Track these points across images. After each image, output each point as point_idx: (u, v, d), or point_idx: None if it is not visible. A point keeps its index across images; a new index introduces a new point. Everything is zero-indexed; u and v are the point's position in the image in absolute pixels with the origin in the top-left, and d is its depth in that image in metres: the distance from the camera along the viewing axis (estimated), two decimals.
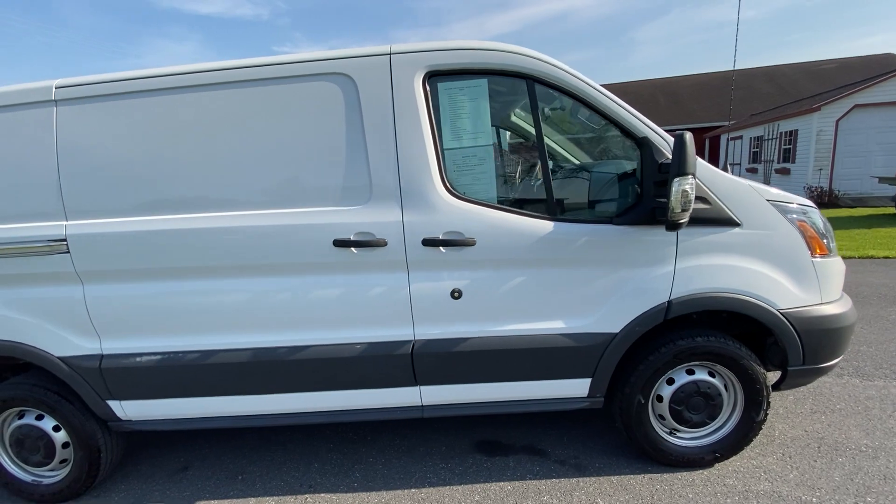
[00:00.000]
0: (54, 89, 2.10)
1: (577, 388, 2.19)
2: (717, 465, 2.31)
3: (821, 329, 2.13)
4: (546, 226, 2.05)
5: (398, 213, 2.03)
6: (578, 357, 2.13)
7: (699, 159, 2.03)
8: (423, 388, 2.20)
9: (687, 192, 1.71)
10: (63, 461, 2.37)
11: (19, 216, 2.12)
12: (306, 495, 2.31)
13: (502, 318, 2.13)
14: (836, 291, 2.23)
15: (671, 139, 2.01)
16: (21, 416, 2.36)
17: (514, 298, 2.11)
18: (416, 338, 2.13)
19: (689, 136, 1.72)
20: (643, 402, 2.22)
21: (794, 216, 2.11)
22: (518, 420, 2.78)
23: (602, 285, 2.10)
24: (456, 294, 2.09)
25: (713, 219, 2.06)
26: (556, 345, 2.11)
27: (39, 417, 2.33)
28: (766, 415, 2.25)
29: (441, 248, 2.04)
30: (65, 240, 2.09)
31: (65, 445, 2.34)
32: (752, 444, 2.36)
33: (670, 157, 1.88)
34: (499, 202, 2.10)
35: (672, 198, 1.71)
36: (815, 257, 2.13)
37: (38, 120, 2.09)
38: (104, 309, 2.16)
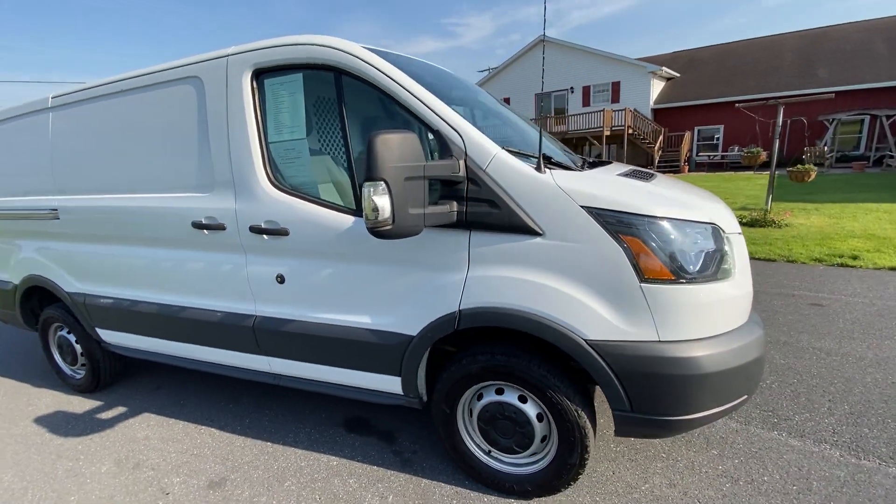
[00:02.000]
0: (50, 99, 2.89)
1: (390, 384, 2.18)
2: (540, 499, 2.05)
3: (651, 373, 1.68)
4: (348, 220, 2.05)
5: (232, 201, 2.28)
6: (384, 354, 2.11)
7: (502, 152, 1.77)
8: (269, 358, 2.47)
9: (370, 197, 1.53)
10: (83, 365, 3.37)
11: (36, 192, 3.03)
12: (204, 427, 2.84)
13: (318, 307, 2.23)
14: (691, 328, 1.70)
15: (469, 134, 1.78)
16: (58, 329, 3.42)
17: (327, 289, 2.19)
18: (256, 313, 2.39)
19: (384, 137, 1.50)
20: (448, 412, 2.09)
21: (622, 228, 1.67)
22: (399, 408, 2.82)
23: (401, 285, 2.02)
24: (279, 279, 2.27)
25: (505, 225, 1.77)
26: (363, 339, 2.13)
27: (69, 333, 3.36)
28: (584, 459, 1.89)
29: (264, 235, 2.23)
30: (56, 209, 2.92)
31: (81, 354, 3.33)
32: (587, 490, 2.02)
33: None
34: (313, 195, 2.16)
35: (363, 203, 1.56)
36: (646, 282, 1.66)
37: (42, 123, 2.92)
38: (77, 261, 2.98)
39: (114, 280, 2.87)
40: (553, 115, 23.92)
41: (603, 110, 20.44)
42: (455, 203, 1.79)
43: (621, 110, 20.69)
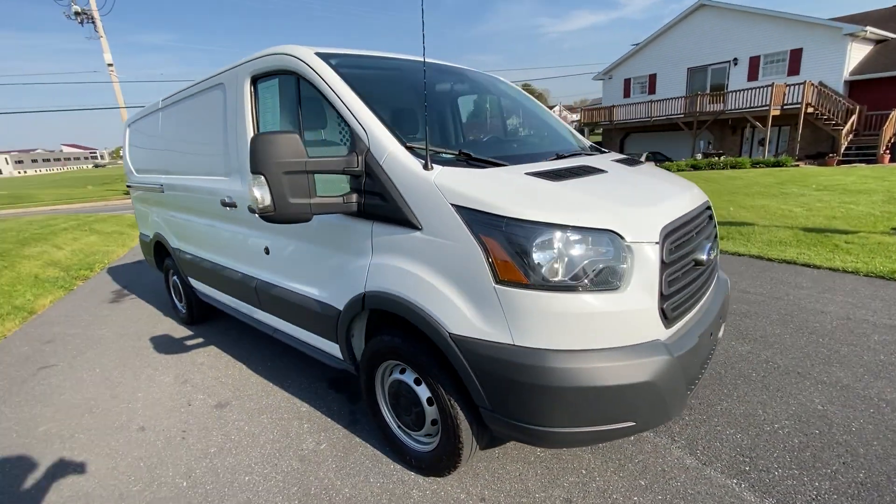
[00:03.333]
0: (160, 101, 3.86)
1: (333, 349, 2.49)
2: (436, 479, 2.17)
3: (504, 376, 1.67)
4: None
5: (240, 184, 2.82)
6: (325, 322, 2.43)
7: (397, 149, 1.90)
8: (267, 315, 3.01)
9: (251, 188, 1.80)
10: (183, 303, 4.48)
11: (156, 171, 4.10)
12: (238, 363, 3.58)
13: (289, 277, 2.65)
14: (549, 337, 1.62)
15: (374, 131, 1.95)
16: (172, 275, 4.58)
17: (293, 263, 2.59)
18: (257, 277, 2.94)
19: (264, 137, 1.72)
20: (368, 381, 2.32)
21: (482, 228, 1.66)
22: None
23: (334, 264, 2.30)
24: (266, 251, 2.76)
25: (392, 218, 1.90)
26: (313, 308, 2.48)
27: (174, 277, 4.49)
28: (458, 448, 1.95)
29: (255, 214, 2.72)
30: (161, 185, 3.93)
31: (182, 294, 4.42)
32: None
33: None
34: None
35: (249, 193, 1.84)
36: (501, 283, 1.64)
37: (156, 119, 3.93)
38: (173, 225, 3.98)
39: (190, 241, 3.77)
40: (709, 91, 20.67)
41: (772, 84, 16.90)
42: (355, 195, 1.99)
43: (799, 84, 16.83)
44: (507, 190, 1.76)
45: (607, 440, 1.85)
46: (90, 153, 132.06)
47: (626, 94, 24.74)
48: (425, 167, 1.84)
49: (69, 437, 2.73)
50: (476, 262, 1.68)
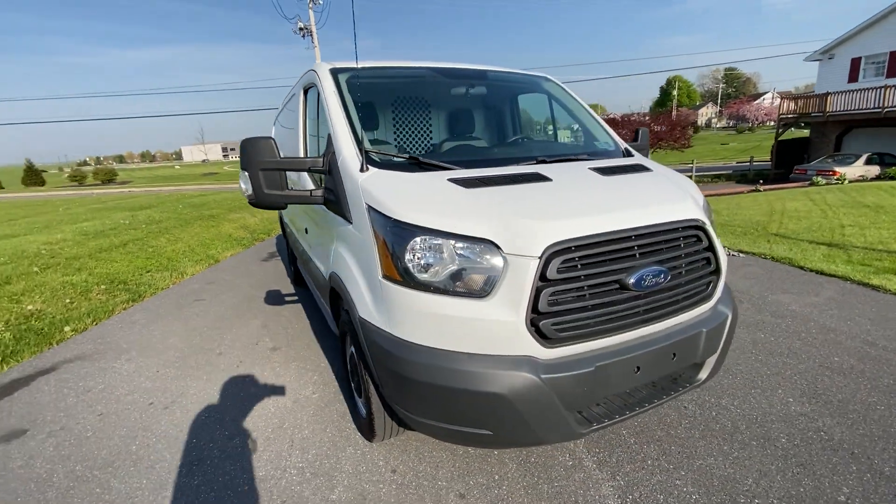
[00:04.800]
0: (280, 104, 4.86)
1: (331, 317, 2.96)
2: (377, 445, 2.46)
3: (382, 361, 1.86)
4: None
5: (296, 177, 3.49)
6: (324, 294, 2.91)
7: (350, 153, 2.22)
8: (310, 280, 3.65)
9: (239, 180, 2.27)
10: (291, 270, 5.60)
11: None
12: (310, 323, 4.40)
13: (313, 251, 3.20)
14: (412, 332, 1.74)
15: (339, 137, 2.30)
16: None
17: (314, 240, 3.14)
18: (305, 251, 3.60)
19: (248, 140, 2.14)
20: (343, 350, 2.71)
21: (378, 226, 1.85)
22: None
23: (325, 245, 2.73)
24: (305, 230, 3.38)
25: (339, 211, 2.22)
26: (319, 279, 2.99)
27: None
28: (371, 420, 2.20)
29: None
30: None
31: (290, 263, 5.53)
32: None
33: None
34: None
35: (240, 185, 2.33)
36: (384, 278, 1.82)
37: (281, 117, 4.97)
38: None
39: (289, 217, 4.71)
40: None
41: None
42: (321, 190, 2.37)
43: None
44: (410, 193, 1.91)
45: (466, 442, 1.86)
46: None
47: (853, 77, 19.18)
48: (361, 170, 2.10)
49: (173, 349, 3.86)
50: (373, 256, 1.90)
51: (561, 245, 1.68)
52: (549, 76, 3.44)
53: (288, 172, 2.34)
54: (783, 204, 10.25)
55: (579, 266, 1.72)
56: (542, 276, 1.66)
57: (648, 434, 2.44)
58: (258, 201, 2.32)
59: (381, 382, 1.93)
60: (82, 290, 5.44)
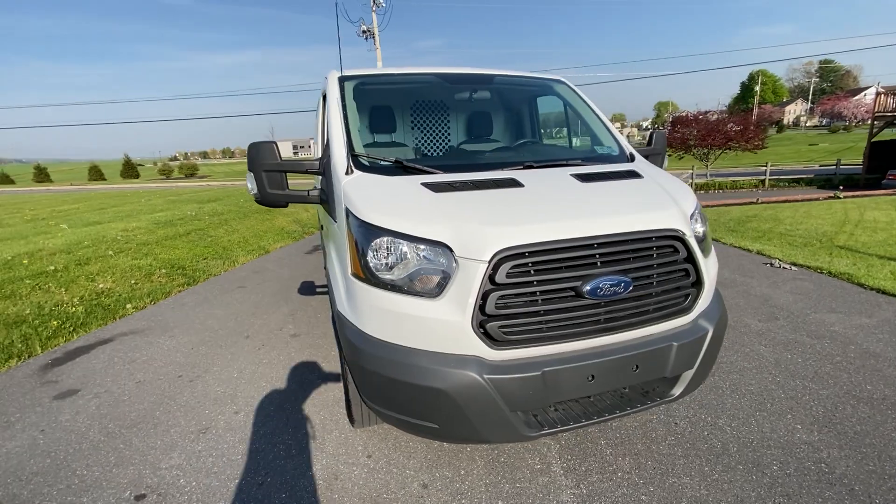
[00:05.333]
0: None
1: None
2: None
3: (351, 356, 1.98)
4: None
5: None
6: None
7: (340, 157, 2.39)
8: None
9: (247, 181, 2.49)
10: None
11: None
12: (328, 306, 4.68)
13: (327, 244, 3.43)
14: (371, 327, 1.86)
15: (333, 140, 2.48)
16: None
17: (326, 235, 3.35)
18: (324, 245, 3.85)
19: (253, 144, 2.34)
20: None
21: (350, 227, 1.99)
22: None
23: (326, 242, 2.93)
24: (321, 227, 3.61)
25: (329, 210, 2.39)
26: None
27: None
28: (349, 406, 2.35)
29: None
30: None
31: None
32: None
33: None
34: None
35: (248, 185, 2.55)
36: (352, 275, 1.95)
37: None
38: None
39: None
40: None
41: None
42: (318, 190, 2.55)
43: None
44: (380, 196, 2.02)
45: (417, 433, 1.94)
46: None
47: None
48: (346, 172, 2.25)
49: (210, 329, 4.27)
50: (347, 254, 2.04)
51: (511, 250, 1.72)
52: (561, 79, 3.41)
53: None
54: (861, 213, 9.19)
55: (532, 272, 1.75)
56: (492, 280, 1.71)
57: (628, 446, 2.38)
58: (262, 200, 2.54)
59: (351, 372, 2.07)
60: (146, 273, 6.13)
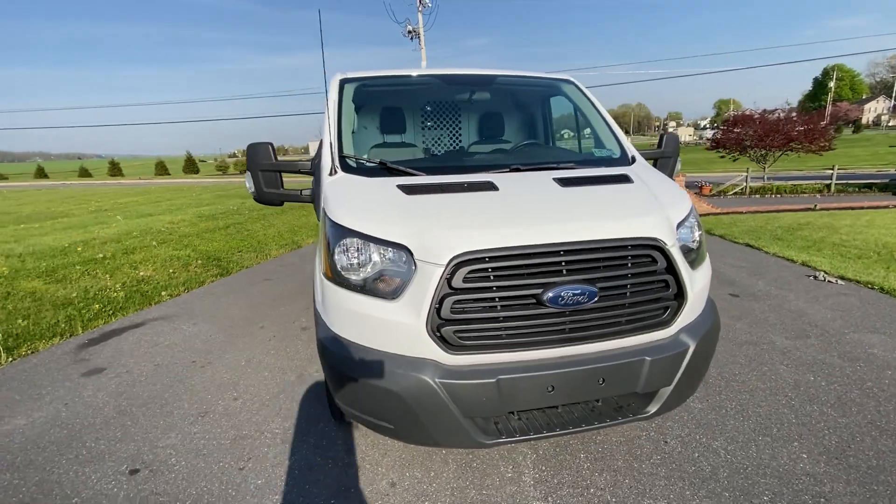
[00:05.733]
0: None
1: None
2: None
3: (321, 353, 2.04)
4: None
5: None
6: None
7: (326, 158, 2.46)
8: None
9: (245, 180, 2.60)
10: None
11: None
12: None
13: None
14: (339, 326, 1.90)
15: (326, 141, 2.55)
16: None
17: None
18: None
19: (251, 144, 2.47)
20: None
21: (326, 225, 2.03)
22: None
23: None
24: None
25: (316, 209, 2.45)
26: None
27: None
28: (331, 403, 2.40)
29: None
30: None
31: None
32: None
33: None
34: None
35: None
36: (323, 273, 1.99)
37: None
38: None
39: None
40: None
41: None
42: (309, 189, 2.63)
43: None
44: (354, 198, 2.06)
45: (377, 430, 1.95)
46: None
47: None
48: (329, 173, 2.31)
49: (229, 319, 4.50)
50: (322, 253, 2.09)
51: (469, 255, 1.70)
52: (570, 78, 3.31)
53: None
54: None
55: (492, 277, 1.72)
56: (449, 284, 1.70)
57: (608, 461, 2.29)
58: (259, 198, 2.66)
59: (322, 369, 2.13)
60: (184, 263, 6.56)
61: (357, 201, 2.03)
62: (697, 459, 2.29)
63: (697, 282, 2.02)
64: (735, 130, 19.93)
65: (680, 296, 1.93)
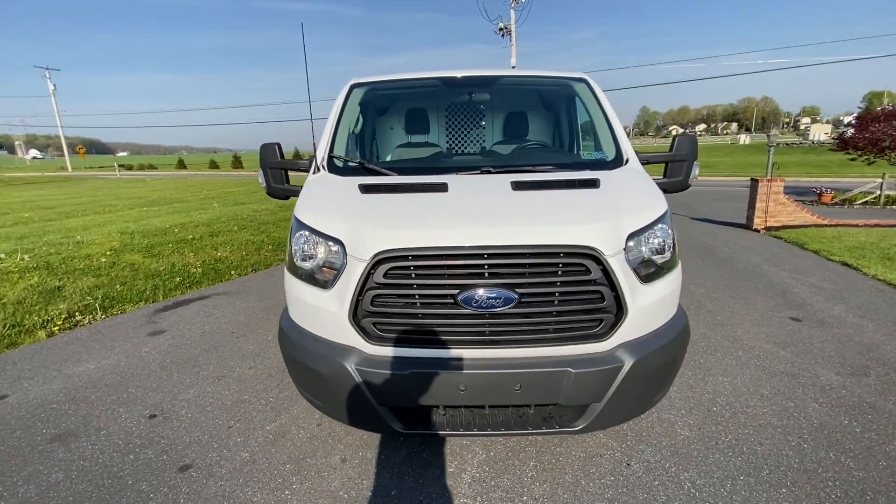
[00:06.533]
0: None
1: None
2: None
3: (278, 336, 2.27)
4: None
5: None
6: None
7: (318, 157, 2.70)
8: None
9: (258, 177, 2.91)
10: None
11: None
12: None
13: None
14: (295, 314, 2.10)
15: (322, 142, 2.80)
16: None
17: None
18: None
19: (263, 144, 2.77)
20: None
21: (292, 220, 2.25)
22: None
23: None
24: None
25: None
26: None
27: None
28: None
29: None
30: None
31: None
32: None
33: None
34: None
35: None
36: (286, 264, 2.22)
37: None
38: None
39: None
40: None
41: None
42: None
43: None
44: (317, 195, 2.25)
45: (314, 406, 2.11)
46: None
47: None
48: (313, 171, 2.54)
49: (274, 298, 5.03)
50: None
51: (391, 252, 1.79)
52: (584, 77, 3.18)
53: None
54: None
55: (413, 275, 1.80)
56: (371, 278, 1.82)
57: (555, 473, 2.23)
58: (269, 193, 3.00)
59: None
60: (257, 247, 7.41)
61: (318, 198, 2.23)
62: (654, 488, 2.13)
63: (647, 296, 1.89)
64: (872, 129, 16.75)
65: (619, 309, 1.83)
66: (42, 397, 3.02)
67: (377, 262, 1.81)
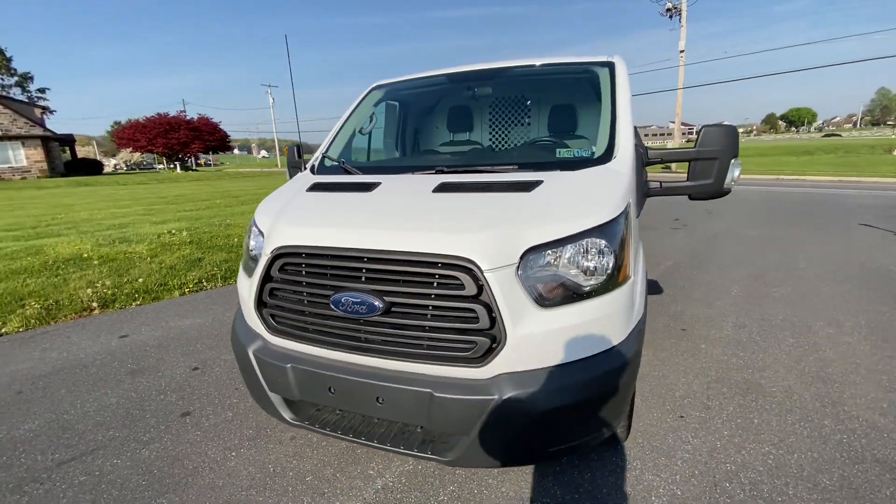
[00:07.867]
0: None
1: None
2: None
3: None
4: None
5: None
6: None
7: (315, 157, 2.92)
8: None
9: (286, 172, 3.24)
10: None
11: None
12: None
13: None
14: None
15: (325, 140, 3.02)
16: None
17: None
18: None
19: (288, 148, 3.12)
20: None
21: None
22: None
23: None
24: None
25: None
26: None
27: None
28: None
29: None
30: None
31: None
32: None
33: None
34: None
35: None
36: None
37: None
38: None
39: None
40: None
41: None
42: None
43: None
44: (278, 193, 2.43)
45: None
46: (688, 129, 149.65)
47: None
48: (300, 170, 2.76)
49: None
50: None
51: (286, 249, 1.87)
52: (610, 60, 2.72)
53: None
54: None
55: (304, 273, 1.85)
56: (269, 272, 1.92)
57: (517, 485, 2.01)
58: None
59: None
60: None
61: (275, 196, 2.43)
62: None
63: (544, 322, 1.57)
64: None
65: (498, 333, 1.56)
66: (144, 341, 3.98)
67: (275, 256, 1.91)
